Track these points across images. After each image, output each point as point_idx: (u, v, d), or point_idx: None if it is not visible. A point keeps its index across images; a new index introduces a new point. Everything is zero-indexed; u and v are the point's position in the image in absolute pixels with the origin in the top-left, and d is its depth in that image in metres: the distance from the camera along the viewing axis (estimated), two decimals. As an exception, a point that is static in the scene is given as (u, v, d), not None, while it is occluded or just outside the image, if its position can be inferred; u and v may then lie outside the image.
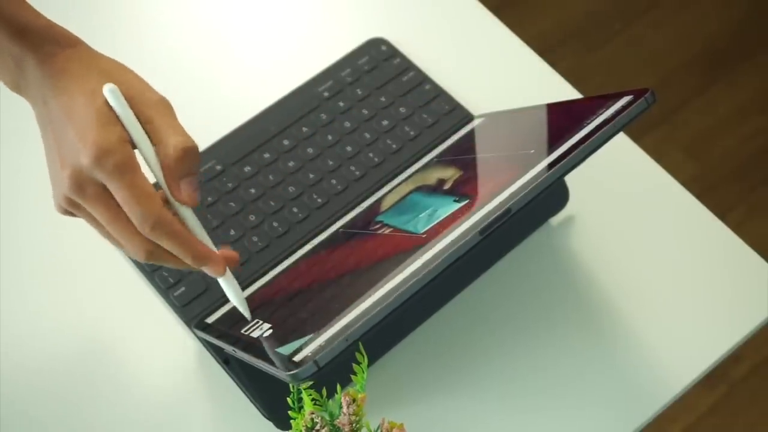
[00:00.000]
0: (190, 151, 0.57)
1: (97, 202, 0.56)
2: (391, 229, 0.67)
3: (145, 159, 0.58)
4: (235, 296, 0.63)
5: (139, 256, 0.58)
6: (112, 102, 0.56)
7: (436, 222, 0.62)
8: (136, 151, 0.57)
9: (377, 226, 0.70)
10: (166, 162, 0.57)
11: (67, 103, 0.56)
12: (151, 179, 0.59)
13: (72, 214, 0.60)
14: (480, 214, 0.59)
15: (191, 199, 0.59)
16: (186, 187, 0.58)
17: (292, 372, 0.52)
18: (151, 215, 0.56)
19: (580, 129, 0.62)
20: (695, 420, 1.53)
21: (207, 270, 0.60)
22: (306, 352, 0.54)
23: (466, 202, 0.63)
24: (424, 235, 0.61)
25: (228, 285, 0.62)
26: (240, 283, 0.74)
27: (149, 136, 0.58)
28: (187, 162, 0.57)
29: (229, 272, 0.61)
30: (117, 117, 0.56)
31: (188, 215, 0.60)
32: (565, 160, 0.59)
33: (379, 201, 0.76)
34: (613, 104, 0.62)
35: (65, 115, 0.56)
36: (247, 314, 0.64)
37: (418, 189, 0.72)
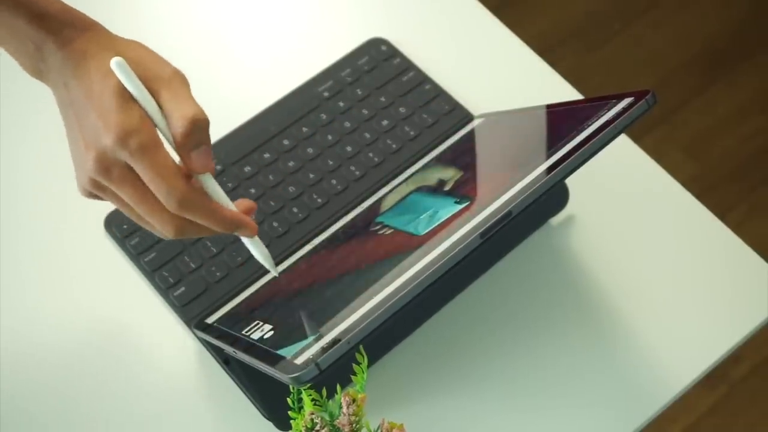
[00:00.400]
0: (197, 121, 0.57)
1: (124, 183, 0.57)
2: (391, 230, 0.67)
3: (162, 133, 0.58)
4: (260, 255, 0.64)
5: (169, 233, 0.58)
6: (119, 75, 0.56)
7: (437, 224, 0.62)
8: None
9: (378, 226, 0.70)
10: (175, 134, 0.57)
11: (87, 86, 0.57)
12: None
13: (97, 197, 0.60)
14: (481, 216, 0.59)
15: (205, 167, 0.59)
16: (197, 156, 0.58)
17: (293, 375, 0.52)
18: (176, 192, 0.56)
19: (581, 131, 0.61)
20: (695, 420, 1.53)
21: (239, 233, 0.61)
22: (308, 354, 0.54)
23: (467, 203, 0.63)
24: (425, 237, 0.61)
25: (255, 245, 0.63)
26: (240, 283, 0.74)
27: (160, 110, 0.58)
28: (195, 133, 0.57)
29: (256, 237, 0.63)
30: (131, 103, 0.56)
31: (209, 183, 0.60)
32: (566, 162, 0.59)
33: (379, 201, 0.76)
34: (613, 106, 0.62)
35: (86, 97, 0.56)
36: (273, 270, 0.65)
37: (419, 189, 0.72)
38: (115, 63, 0.56)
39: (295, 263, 0.73)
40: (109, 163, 0.56)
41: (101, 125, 0.55)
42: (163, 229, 0.59)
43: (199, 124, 0.57)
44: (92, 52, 0.58)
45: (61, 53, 0.58)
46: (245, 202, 0.63)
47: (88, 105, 0.56)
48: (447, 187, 0.70)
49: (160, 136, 0.58)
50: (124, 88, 0.56)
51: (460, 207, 0.63)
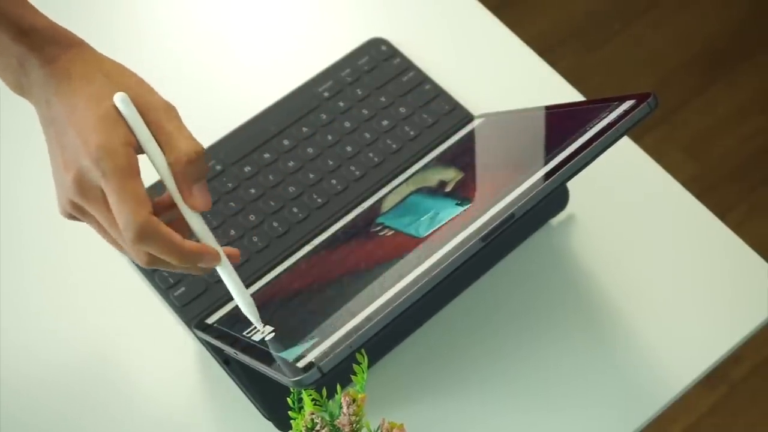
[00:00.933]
0: (200, 155, 0.57)
1: (100, 205, 0.56)
2: (392, 232, 0.67)
3: (155, 165, 0.57)
4: (240, 296, 0.61)
5: (140, 262, 0.58)
6: (122, 110, 0.56)
7: (438, 226, 0.62)
8: (143, 156, 0.57)
9: (378, 227, 0.70)
10: (178, 167, 0.57)
11: (70, 106, 0.56)
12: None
13: (76, 218, 0.60)
14: (482, 219, 0.59)
15: (204, 204, 0.58)
16: (198, 192, 0.58)
17: (296, 378, 0.52)
18: (136, 221, 0.54)
19: (583, 133, 0.61)
20: (695, 420, 1.53)
21: (203, 264, 0.59)
22: (309, 357, 0.54)
23: (468, 206, 0.63)
24: (426, 240, 0.61)
25: (230, 280, 0.61)
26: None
27: (158, 142, 0.57)
28: (198, 166, 0.57)
29: (228, 263, 0.60)
30: (122, 121, 0.56)
31: (195, 219, 0.59)
32: (568, 165, 0.59)
33: (379, 202, 0.76)
34: (615, 108, 0.62)
35: (68, 117, 0.56)
36: (255, 320, 0.62)
37: (419, 190, 0.72)
38: (120, 99, 0.56)
39: (295, 263, 0.73)
40: (87, 184, 0.55)
41: (80, 144, 0.55)
42: (135, 258, 0.58)
43: (202, 158, 0.57)
44: (77, 72, 0.57)
45: (44, 70, 0.57)
46: (228, 249, 0.61)
47: (70, 125, 0.56)
48: (448, 189, 0.70)
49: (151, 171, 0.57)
50: (112, 113, 0.55)
51: (461, 209, 0.63)
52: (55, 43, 0.58)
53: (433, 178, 0.73)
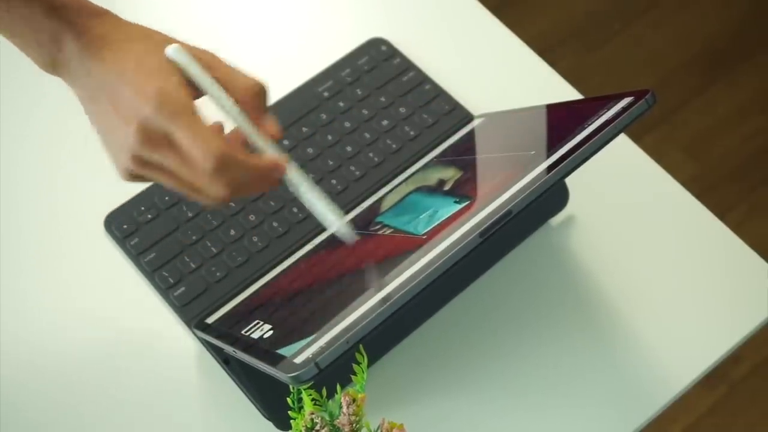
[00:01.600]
0: (263, 88, 0.60)
1: (169, 149, 0.57)
2: (391, 230, 0.67)
3: (221, 104, 0.59)
4: (317, 199, 0.62)
5: (217, 196, 0.58)
6: (178, 59, 0.58)
7: (436, 223, 0.62)
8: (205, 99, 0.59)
9: (377, 226, 0.70)
10: (246, 101, 0.59)
11: (118, 67, 0.57)
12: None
13: (139, 178, 0.60)
14: (480, 216, 0.59)
15: (277, 129, 0.60)
16: (270, 120, 0.60)
17: (293, 374, 0.52)
18: (214, 150, 0.56)
19: (581, 130, 0.61)
20: (695, 420, 1.53)
21: (279, 175, 0.60)
22: (307, 354, 0.54)
23: (467, 203, 0.63)
24: (424, 237, 0.61)
25: (304, 186, 0.61)
26: (240, 283, 0.74)
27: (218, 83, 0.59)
28: (263, 97, 0.60)
29: (299, 173, 0.61)
30: (175, 69, 0.58)
31: (271, 149, 0.60)
32: (566, 161, 0.59)
33: (379, 201, 0.76)
34: (613, 105, 0.62)
35: (118, 78, 0.57)
36: (335, 218, 0.62)
37: (419, 189, 0.72)
38: (174, 49, 0.58)
39: (295, 263, 0.73)
40: (151, 132, 0.56)
41: (139, 97, 0.56)
42: (209, 194, 0.58)
43: (265, 89, 0.60)
44: (115, 37, 0.59)
45: (80, 41, 0.58)
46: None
47: (122, 83, 0.57)
48: (447, 187, 0.70)
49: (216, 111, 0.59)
50: (163, 63, 0.57)
51: (459, 207, 0.63)
52: (85, 14, 0.59)
53: (433, 177, 0.74)
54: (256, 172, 0.58)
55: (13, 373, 0.72)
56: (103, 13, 0.60)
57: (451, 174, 0.72)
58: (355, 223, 0.74)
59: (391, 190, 0.76)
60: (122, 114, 0.57)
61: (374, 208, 0.74)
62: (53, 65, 0.60)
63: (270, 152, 0.60)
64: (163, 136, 0.56)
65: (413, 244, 0.61)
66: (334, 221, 0.62)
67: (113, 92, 0.57)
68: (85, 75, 0.59)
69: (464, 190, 0.67)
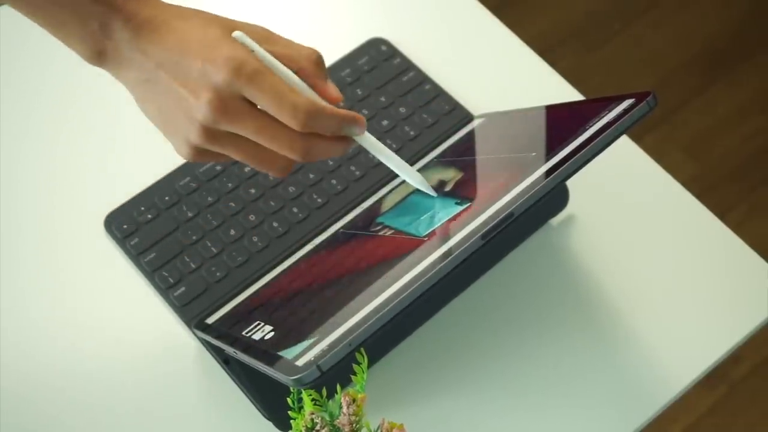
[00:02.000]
0: (320, 56, 0.62)
1: (245, 115, 0.58)
2: (392, 231, 0.67)
3: (286, 77, 0.60)
4: (388, 159, 0.65)
5: (298, 155, 0.59)
6: (243, 41, 0.59)
7: (437, 225, 0.62)
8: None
9: (378, 227, 0.70)
10: (310, 69, 0.61)
11: (178, 41, 0.58)
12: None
13: (204, 154, 0.61)
14: (482, 218, 0.59)
15: (339, 94, 0.62)
16: (332, 86, 0.62)
17: (295, 377, 0.52)
18: (302, 104, 0.57)
19: (583, 132, 0.61)
20: (695, 420, 1.53)
21: (357, 129, 0.62)
22: (309, 356, 0.54)
23: (468, 204, 0.63)
24: (425, 239, 0.61)
25: (373, 146, 0.64)
26: (240, 283, 0.74)
27: (278, 58, 0.60)
28: (322, 65, 0.62)
29: (367, 133, 0.64)
30: (233, 39, 0.59)
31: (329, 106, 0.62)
32: (568, 164, 0.59)
33: (379, 201, 0.76)
34: (614, 107, 0.62)
35: (180, 51, 0.58)
36: (413, 174, 0.65)
37: (419, 190, 0.72)
38: (238, 36, 0.59)
39: (295, 263, 0.73)
40: (226, 99, 0.57)
41: (209, 66, 0.57)
42: (292, 150, 0.59)
43: (322, 57, 0.62)
44: (166, 17, 0.59)
45: (131, 25, 0.59)
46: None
47: (187, 57, 0.57)
48: (447, 188, 0.70)
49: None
50: (225, 35, 0.58)
51: (460, 208, 0.63)
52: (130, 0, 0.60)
53: (433, 177, 0.73)
54: (340, 121, 0.60)
55: (12, 373, 0.72)
56: None
57: (451, 174, 0.72)
58: (355, 224, 0.74)
59: (391, 191, 0.76)
60: (191, 87, 0.57)
61: (375, 209, 0.74)
62: (100, 55, 0.60)
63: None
64: (239, 101, 0.57)
65: (414, 245, 0.61)
66: (414, 176, 0.66)
67: (176, 68, 0.58)
68: (140, 57, 0.59)
69: (465, 191, 0.67)
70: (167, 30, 0.59)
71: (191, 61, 0.57)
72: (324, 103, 0.60)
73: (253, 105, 0.58)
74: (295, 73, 0.60)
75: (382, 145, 0.65)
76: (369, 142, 0.64)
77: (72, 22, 0.59)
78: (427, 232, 0.62)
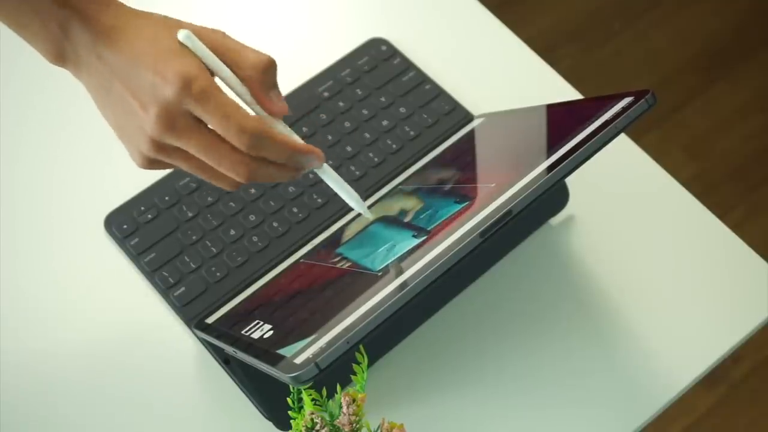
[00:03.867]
0: (270, 64, 0.60)
1: (191, 132, 0.57)
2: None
3: (229, 85, 0.59)
4: (340, 187, 0.64)
5: (242, 176, 0.58)
6: (189, 43, 0.58)
7: (436, 224, 0.62)
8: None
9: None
10: (253, 78, 0.59)
11: (133, 51, 0.57)
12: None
13: (156, 164, 0.60)
14: (481, 216, 0.59)
15: (283, 108, 0.60)
16: (276, 96, 0.60)
17: (293, 374, 0.52)
18: (249, 126, 0.56)
19: (581, 130, 0.61)
20: (695, 420, 1.53)
21: (310, 163, 0.61)
22: (307, 354, 0.54)
23: (467, 203, 0.63)
24: (425, 236, 0.61)
25: (331, 177, 0.64)
26: (240, 283, 0.74)
27: (226, 63, 0.59)
28: (270, 74, 0.60)
29: (326, 165, 0.63)
30: (189, 52, 0.58)
31: (280, 127, 0.61)
32: (566, 161, 0.59)
33: (379, 201, 0.76)
34: (613, 105, 0.62)
35: (133, 61, 0.57)
36: (361, 208, 0.65)
37: (419, 190, 0.72)
38: (184, 35, 0.58)
39: (295, 263, 0.73)
40: (174, 115, 0.56)
41: (159, 80, 0.56)
42: (236, 173, 0.58)
43: (272, 66, 0.60)
44: (125, 23, 0.58)
45: (90, 29, 0.58)
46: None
47: (139, 67, 0.57)
48: (447, 187, 0.70)
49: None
50: (178, 46, 0.57)
51: (460, 206, 0.63)
52: (93, 2, 0.59)
53: (433, 177, 0.74)
54: (291, 151, 0.59)
55: (12, 373, 0.72)
56: (110, 1, 0.60)
57: (450, 174, 0.72)
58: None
59: (391, 191, 0.76)
60: (141, 99, 0.57)
61: (375, 209, 0.74)
62: (61, 56, 0.60)
63: (280, 130, 0.61)
64: (186, 118, 0.57)
65: (414, 245, 0.61)
66: (358, 204, 0.65)
67: (129, 77, 0.57)
68: (96, 62, 0.58)
69: (464, 190, 0.67)
70: (123, 37, 0.58)
71: (143, 72, 0.57)
72: (276, 129, 0.59)
73: (200, 122, 0.57)
74: (242, 81, 0.59)
75: (336, 174, 0.64)
76: (325, 171, 0.63)
77: (34, 23, 0.59)
78: (427, 230, 0.62)
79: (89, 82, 0.60)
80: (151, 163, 0.60)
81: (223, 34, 0.60)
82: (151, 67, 0.56)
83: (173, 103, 0.56)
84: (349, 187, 0.65)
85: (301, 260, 0.73)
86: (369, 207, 0.72)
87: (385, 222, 0.69)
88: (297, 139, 0.61)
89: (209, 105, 0.56)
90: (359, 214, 0.69)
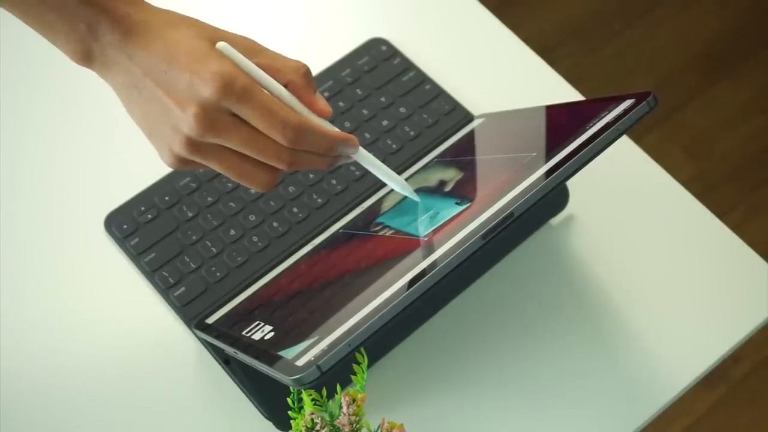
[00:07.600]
0: (308, 68, 0.61)
1: (232, 129, 0.57)
2: (392, 231, 0.67)
3: (273, 91, 0.60)
4: (381, 171, 0.66)
5: (285, 164, 0.59)
6: (225, 52, 0.58)
7: (438, 225, 0.62)
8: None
9: (378, 227, 0.70)
10: (296, 82, 0.60)
11: (166, 51, 0.57)
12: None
13: (188, 164, 0.60)
14: (483, 218, 0.59)
15: (328, 108, 0.61)
16: (320, 99, 0.61)
17: (295, 377, 0.52)
18: (292, 121, 0.58)
19: (583, 132, 0.61)
20: (695, 420, 1.53)
21: (348, 150, 0.62)
22: (309, 356, 0.54)
23: (468, 204, 0.63)
24: (426, 239, 0.61)
25: (372, 163, 0.65)
26: (240, 283, 0.74)
27: (265, 71, 0.60)
28: (310, 78, 0.61)
29: (363, 150, 0.64)
30: (219, 52, 0.58)
31: (327, 126, 0.62)
32: (568, 164, 0.59)
33: (379, 202, 0.76)
34: (614, 107, 0.62)
35: (168, 62, 0.57)
36: (401, 187, 0.67)
37: (419, 190, 0.72)
38: (222, 47, 0.58)
39: (295, 263, 0.73)
40: (214, 114, 0.57)
41: (197, 80, 0.56)
42: (279, 160, 0.59)
43: (309, 70, 0.61)
44: (156, 22, 0.59)
45: (118, 29, 0.58)
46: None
47: (174, 66, 0.57)
48: (447, 188, 0.70)
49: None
50: (213, 48, 0.58)
51: (461, 208, 0.63)
52: (120, 1, 0.59)
53: (433, 177, 0.74)
54: (331, 142, 0.60)
55: (12, 373, 0.72)
56: (136, 2, 0.60)
57: (451, 175, 0.72)
58: (355, 223, 0.74)
59: (391, 191, 0.76)
60: (178, 99, 0.57)
61: (375, 209, 0.74)
62: (88, 56, 0.59)
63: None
64: (227, 116, 0.57)
65: (414, 245, 0.61)
66: (400, 186, 0.67)
67: (163, 77, 0.57)
68: (127, 62, 0.58)
69: (465, 192, 0.67)
70: (155, 36, 0.58)
71: (179, 72, 0.57)
72: (316, 121, 0.60)
73: (238, 117, 0.58)
74: (284, 86, 0.60)
75: (376, 159, 0.65)
76: (362, 156, 0.64)
77: (59, 24, 0.58)
78: (427, 232, 0.62)
79: (117, 82, 0.60)
80: (182, 163, 0.60)
81: (253, 41, 0.61)
82: (187, 68, 0.57)
83: (212, 101, 0.56)
84: (389, 170, 0.66)
85: (341, 230, 0.74)
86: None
87: (425, 192, 0.70)
88: (333, 129, 0.62)
89: (252, 102, 0.57)
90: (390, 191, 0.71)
